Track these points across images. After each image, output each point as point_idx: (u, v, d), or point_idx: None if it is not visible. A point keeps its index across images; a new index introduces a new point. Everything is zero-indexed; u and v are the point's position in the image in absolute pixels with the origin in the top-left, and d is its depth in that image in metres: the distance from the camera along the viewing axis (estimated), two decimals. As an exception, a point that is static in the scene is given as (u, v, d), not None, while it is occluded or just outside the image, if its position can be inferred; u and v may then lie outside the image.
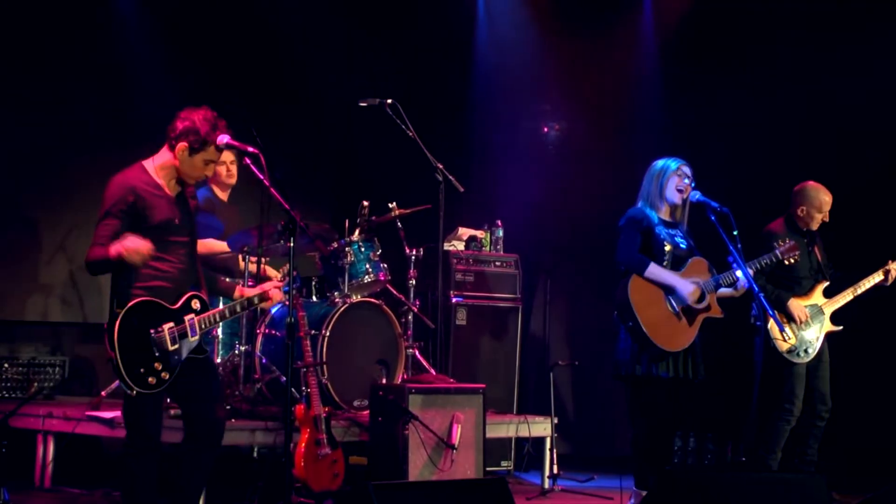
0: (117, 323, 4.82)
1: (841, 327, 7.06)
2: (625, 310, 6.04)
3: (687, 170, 6.24)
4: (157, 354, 4.87)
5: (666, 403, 6.12)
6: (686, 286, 6.07)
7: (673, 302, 6.07)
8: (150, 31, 8.49)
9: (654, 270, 6.06)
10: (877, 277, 7.11)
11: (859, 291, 7.10)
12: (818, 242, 7.19)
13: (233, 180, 7.29)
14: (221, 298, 6.03)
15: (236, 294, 5.32)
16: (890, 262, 7.13)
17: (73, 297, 8.29)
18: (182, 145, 5.00)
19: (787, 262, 6.38)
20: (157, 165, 5.06)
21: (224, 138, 5.06)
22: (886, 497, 5.47)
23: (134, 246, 4.77)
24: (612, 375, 6.22)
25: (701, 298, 6.11)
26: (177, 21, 8.60)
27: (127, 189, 4.93)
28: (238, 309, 5.21)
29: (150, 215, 4.96)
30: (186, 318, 4.97)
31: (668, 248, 6.13)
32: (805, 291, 7.06)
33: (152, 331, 4.86)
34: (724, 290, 6.20)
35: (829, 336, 7.06)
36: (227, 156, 7.06)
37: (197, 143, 4.99)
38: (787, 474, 6.50)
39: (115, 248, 4.76)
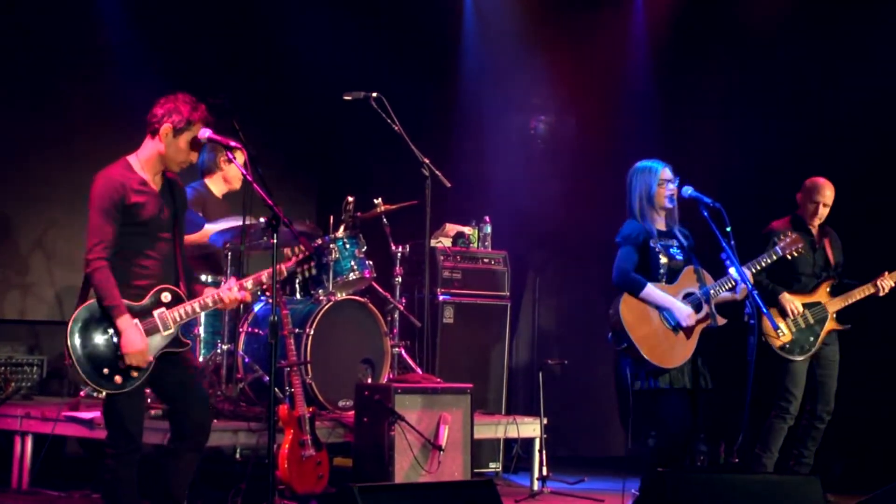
0: (69, 327, 4.77)
1: (849, 326, 6.94)
2: (618, 331, 5.99)
3: (668, 173, 6.12)
4: (120, 353, 4.79)
5: (677, 413, 6.03)
6: (682, 310, 5.98)
7: (668, 316, 5.97)
8: (129, 23, 8.42)
9: (649, 292, 5.99)
10: (868, 290, 6.95)
11: (850, 302, 6.95)
12: (833, 241, 7.05)
13: (238, 184, 7.14)
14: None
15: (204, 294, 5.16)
16: (886, 273, 6.95)
17: (50, 295, 8.22)
18: (166, 127, 4.95)
19: (789, 257, 6.25)
20: (143, 160, 5.01)
21: (206, 132, 5.02)
22: (883, 500, 5.39)
23: (140, 359, 4.78)
24: (617, 389, 6.16)
25: (697, 310, 6.01)
26: (157, 13, 8.53)
27: (116, 186, 4.88)
28: (210, 304, 5.08)
29: (140, 213, 4.92)
30: (156, 312, 4.90)
31: (663, 260, 6.07)
32: (808, 289, 6.94)
33: (112, 330, 4.79)
34: (724, 295, 6.11)
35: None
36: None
37: (181, 122, 4.95)
38: (781, 476, 6.43)
39: (122, 331, 4.76)
